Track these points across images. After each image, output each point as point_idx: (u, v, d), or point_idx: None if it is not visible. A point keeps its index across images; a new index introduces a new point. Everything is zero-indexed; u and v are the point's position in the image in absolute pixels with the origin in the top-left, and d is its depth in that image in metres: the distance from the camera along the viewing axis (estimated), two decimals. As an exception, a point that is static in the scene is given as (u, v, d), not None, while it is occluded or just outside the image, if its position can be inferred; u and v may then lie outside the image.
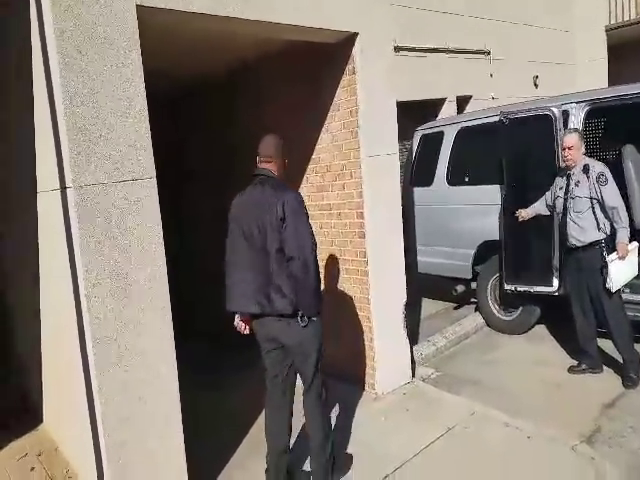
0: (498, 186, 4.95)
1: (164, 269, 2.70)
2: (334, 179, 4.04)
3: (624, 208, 3.82)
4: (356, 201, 3.88)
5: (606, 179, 3.81)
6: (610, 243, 3.87)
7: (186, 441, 2.83)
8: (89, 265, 2.46)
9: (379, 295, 3.96)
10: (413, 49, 7.21)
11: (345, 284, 4.15)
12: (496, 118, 4.90)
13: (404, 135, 6.32)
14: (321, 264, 4.31)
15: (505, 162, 4.79)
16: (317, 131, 4.08)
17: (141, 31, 2.57)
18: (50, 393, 3.63)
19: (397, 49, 6.92)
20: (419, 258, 6.00)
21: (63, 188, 2.49)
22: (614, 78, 9.55)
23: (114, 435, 2.54)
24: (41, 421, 3.87)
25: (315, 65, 3.99)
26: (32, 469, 3.27)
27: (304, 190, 4.35)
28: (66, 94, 2.37)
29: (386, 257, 3.98)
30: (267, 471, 2.97)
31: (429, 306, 6.35)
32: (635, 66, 10.57)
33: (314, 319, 2.76)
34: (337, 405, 3.91)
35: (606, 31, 10.51)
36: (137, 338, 2.60)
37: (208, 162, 5.51)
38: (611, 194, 3.80)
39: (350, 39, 3.65)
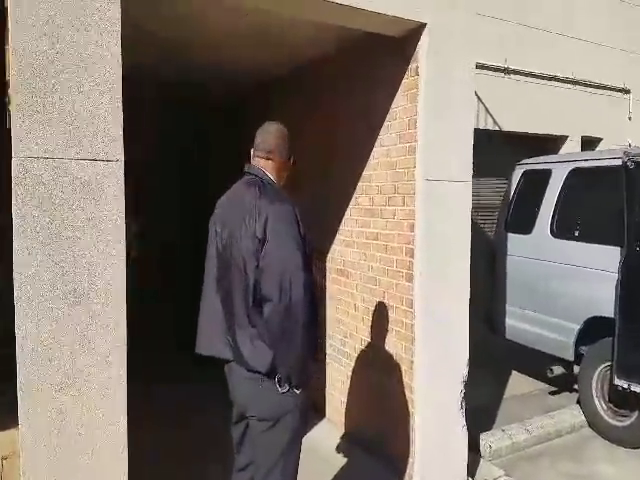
0: (618, 247, 3.77)
1: (122, 279, 2.09)
2: (384, 203, 3.23)
3: None
4: (406, 234, 3.03)
5: None
6: None
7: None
8: (23, 261, 1.93)
9: (427, 360, 3.01)
10: (529, 74, 6.17)
11: (387, 337, 3.26)
12: (619, 161, 3.78)
13: (508, 171, 5.32)
14: (361, 305, 3.49)
15: (628, 217, 3.66)
16: (370, 144, 3.34)
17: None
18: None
19: (507, 71, 5.98)
20: (507, 321, 4.88)
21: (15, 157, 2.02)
22: None
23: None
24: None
25: (373, 65, 3.32)
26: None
27: (352, 212, 3.60)
28: (18, 44, 1.92)
29: (441, 312, 3.02)
30: None
31: (518, 383, 5.07)
32: None
33: (296, 390, 1.96)
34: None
35: None
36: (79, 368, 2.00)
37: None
38: None
39: (416, 32, 2.91)
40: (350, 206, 3.61)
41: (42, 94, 1.96)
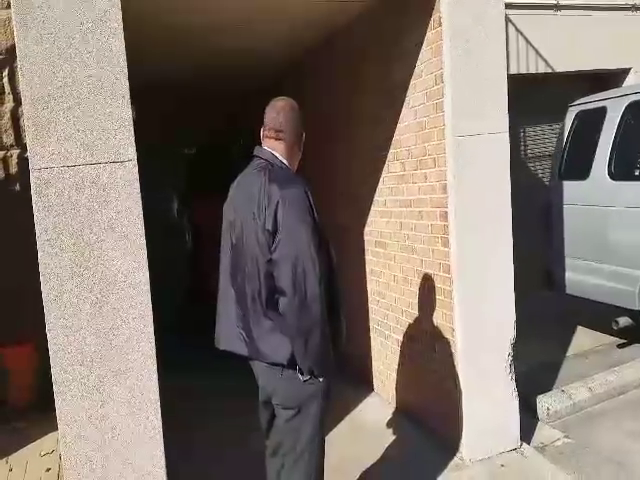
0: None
1: (146, 280, 2.16)
2: (415, 167, 3.09)
3: None
4: (439, 197, 2.89)
5: None
6: None
7: None
8: (46, 270, 2.05)
9: (468, 326, 2.91)
10: (582, 7, 5.60)
11: (426, 306, 3.17)
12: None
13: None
14: (400, 276, 3.41)
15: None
16: (399, 107, 3.17)
17: None
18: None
19: (557, 7, 5.45)
20: (568, 275, 4.63)
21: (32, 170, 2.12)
22: None
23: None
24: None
25: (396, 24, 3.12)
26: (47, 470, 3.04)
27: (385, 180, 3.48)
28: (23, 59, 1.98)
29: (481, 275, 2.89)
30: None
31: (582, 340, 4.81)
32: None
33: (319, 379, 1.92)
34: (403, 460, 3.03)
35: None
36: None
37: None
38: None
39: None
40: (383, 174, 3.48)
41: (50, 103, 2.01)
